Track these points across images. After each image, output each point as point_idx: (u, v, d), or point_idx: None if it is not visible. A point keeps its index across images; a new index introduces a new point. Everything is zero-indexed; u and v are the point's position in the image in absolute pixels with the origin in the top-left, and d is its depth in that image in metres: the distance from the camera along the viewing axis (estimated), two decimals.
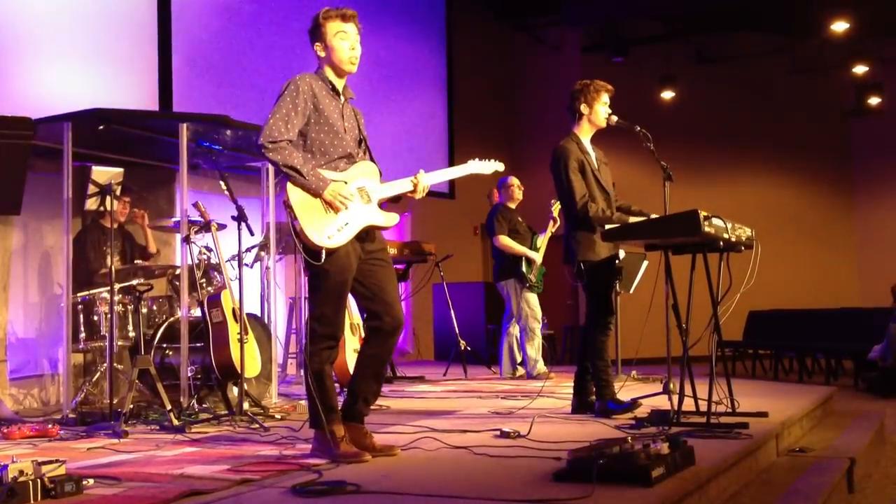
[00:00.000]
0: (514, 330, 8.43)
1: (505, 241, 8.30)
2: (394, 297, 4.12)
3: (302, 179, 3.86)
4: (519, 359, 8.45)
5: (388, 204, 4.24)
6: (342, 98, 4.14)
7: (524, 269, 8.23)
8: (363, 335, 7.25)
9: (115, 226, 6.50)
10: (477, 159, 4.59)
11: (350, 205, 3.95)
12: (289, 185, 3.87)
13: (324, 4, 4.18)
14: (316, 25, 4.11)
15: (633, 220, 5.36)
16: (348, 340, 6.87)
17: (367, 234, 4.06)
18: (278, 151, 3.86)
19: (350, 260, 3.95)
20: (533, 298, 8.29)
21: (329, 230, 3.88)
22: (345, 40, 4.09)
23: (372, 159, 4.22)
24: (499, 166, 4.67)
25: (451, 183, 12.55)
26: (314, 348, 3.94)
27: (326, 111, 4.02)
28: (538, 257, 8.29)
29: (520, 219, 8.51)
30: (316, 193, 3.88)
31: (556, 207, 8.25)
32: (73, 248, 5.91)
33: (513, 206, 8.58)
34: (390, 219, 4.14)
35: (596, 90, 5.56)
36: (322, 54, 4.11)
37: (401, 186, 4.24)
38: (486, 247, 14.97)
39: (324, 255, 3.85)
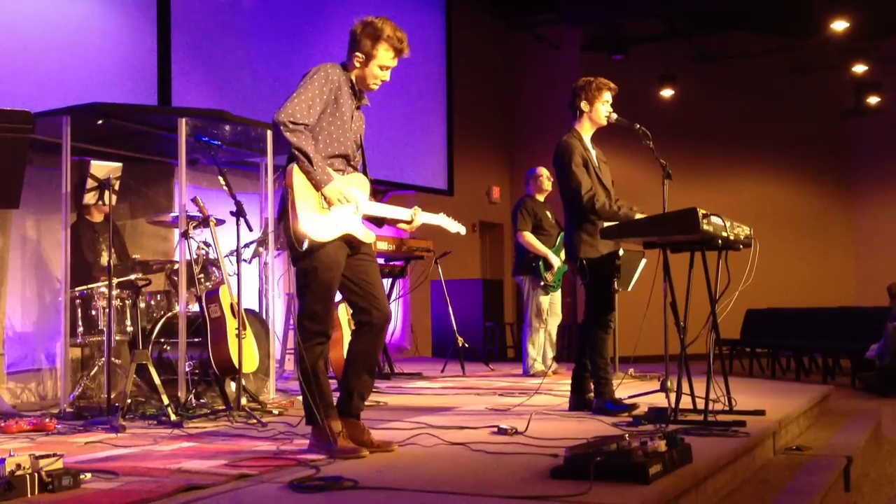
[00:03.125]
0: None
1: (528, 238, 8.12)
2: (380, 291, 4.16)
3: (309, 167, 3.85)
4: (552, 353, 8.36)
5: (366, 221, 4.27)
6: (357, 101, 4.13)
7: (541, 268, 8.12)
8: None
9: (102, 219, 6.51)
10: (443, 214, 4.68)
11: (344, 207, 3.97)
12: (295, 168, 3.85)
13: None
14: (372, 35, 4.01)
15: (638, 215, 5.34)
16: (346, 336, 6.87)
17: (353, 242, 4.07)
18: (296, 134, 3.83)
19: (338, 257, 3.97)
20: (545, 299, 8.23)
21: (318, 223, 3.89)
22: (385, 71, 4.09)
23: (365, 172, 4.23)
24: (461, 229, 4.86)
25: (450, 179, 12.56)
26: (307, 346, 3.94)
27: (343, 107, 4.03)
28: (557, 260, 8.04)
29: (548, 213, 8.28)
30: (317, 186, 3.88)
31: None
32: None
33: (541, 198, 8.36)
34: (369, 235, 4.15)
35: (598, 88, 5.54)
36: (357, 64, 4.06)
37: (397, 213, 4.34)
38: (484, 244, 14.97)
39: (306, 245, 3.86)
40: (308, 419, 4.00)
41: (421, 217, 4.40)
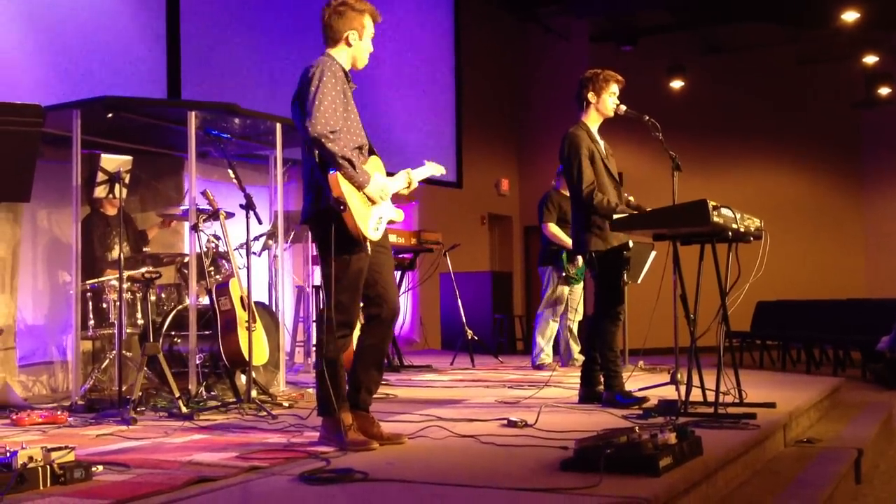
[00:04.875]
0: (568, 320, 8.34)
1: (553, 229, 8.13)
2: (392, 284, 4.19)
3: (353, 172, 3.87)
4: (577, 348, 8.38)
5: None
6: (351, 86, 4.14)
7: (564, 259, 8.11)
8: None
9: (115, 212, 6.54)
10: (427, 162, 4.66)
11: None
12: (339, 178, 3.84)
13: None
14: (357, 10, 4.08)
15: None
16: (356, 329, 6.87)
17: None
18: (336, 142, 3.84)
19: (368, 250, 4.00)
20: (564, 291, 8.21)
21: (372, 222, 3.96)
22: (370, 40, 4.14)
23: (373, 151, 4.23)
24: (442, 169, 4.77)
25: (459, 172, 12.55)
26: (330, 336, 3.95)
27: (350, 98, 4.05)
28: None
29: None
30: (360, 187, 3.91)
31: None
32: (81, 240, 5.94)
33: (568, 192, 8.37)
34: (400, 214, 4.23)
35: (605, 79, 5.53)
36: (353, 42, 4.09)
37: (401, 185, 4.32)
38: (493, 236, 14.96)
39: (369, 248, 3.93)
40: (320, 410, 4.01)
41: (415, 177, 4.39)
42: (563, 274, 8.11)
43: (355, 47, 4.10)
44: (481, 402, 5.59)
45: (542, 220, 8.26)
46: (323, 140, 3.81)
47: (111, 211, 6.62)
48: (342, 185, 3.84)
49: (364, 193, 3.93)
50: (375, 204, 3.99)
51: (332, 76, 3.93)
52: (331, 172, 3.85)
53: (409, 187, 4.36)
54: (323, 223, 3.92)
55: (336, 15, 4.08)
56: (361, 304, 4.20)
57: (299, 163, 4.01)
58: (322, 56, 4.07)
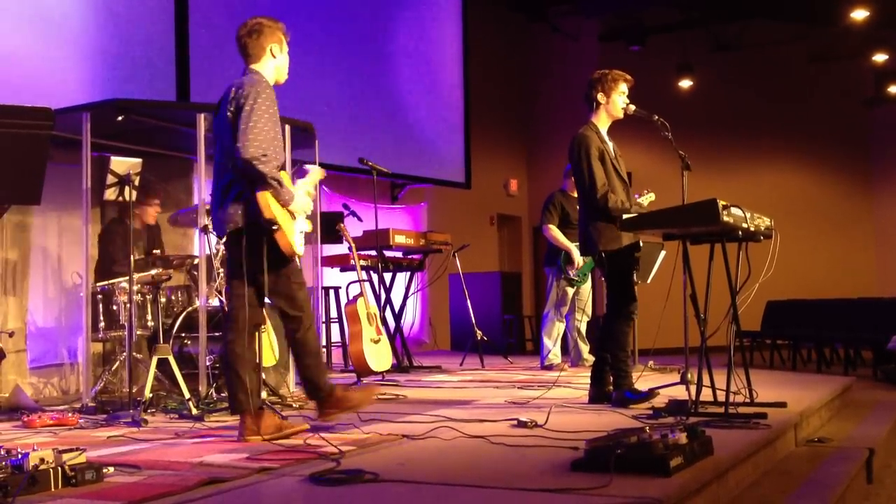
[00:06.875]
0: (575, 321, 8.30)
1: (553, 231, 8.09)
2: None
3: (279, 190, 4.07)
4: (586, 348, 8.34)
5: None
6: None
7: (562, 261, 8.08)
8: (379, 325, 7.30)
9: (140, 225, 6.64)
10: (309, 169, 4.76)
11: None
12: (268, 197, 4.04)
13: None
14: (273, 27, 4.33)
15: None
16: (365, 330, 6.89)
17: None
18: (267, 165, 4.03)
19: (298, 263, 4.34)
20: (568, 292, 8.17)
21: (297, 238, 4.22)
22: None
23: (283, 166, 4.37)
24: (323, 173, 4.82)
25: (468, 172, 12.54)
26: (302, 335, 4.39)
27: (279, 120, 4.22)
28: (579, 256, 7.89)
29: (578, 206, 8.19)
30: (286, 204, 4.12)
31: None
32: (99, 243, 5.98)
33: (575, 193, 8.29)
34: (308, 225, 4.42)
35: (614, 80, 5.52)
36: (277, 55, 4.34)
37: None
38: (502, 236, 14.95)
39: (298, 262, 4.22)
40: (310, 395, 4.40)
41: (308, 188, 4.51)
42: (564, 276, 8.07)
43: (280, 58, 4.34)
44: (491, 403, 5.59)
45: (543, 222, 8.23)
46: (255, 163, 3.99)
47: (138, 224, 6.68)
48: (272, 205, 4.05)
49: (289, 210, 4.14)
50: (295, 219, 4.21)
51: (266, 98, 4.11)
52: (258, 192, 4.04)
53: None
54: (256, 235, 4.10)
55: (255, 33, 4.30)
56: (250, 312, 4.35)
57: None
58: (251, 74, 4.24)
